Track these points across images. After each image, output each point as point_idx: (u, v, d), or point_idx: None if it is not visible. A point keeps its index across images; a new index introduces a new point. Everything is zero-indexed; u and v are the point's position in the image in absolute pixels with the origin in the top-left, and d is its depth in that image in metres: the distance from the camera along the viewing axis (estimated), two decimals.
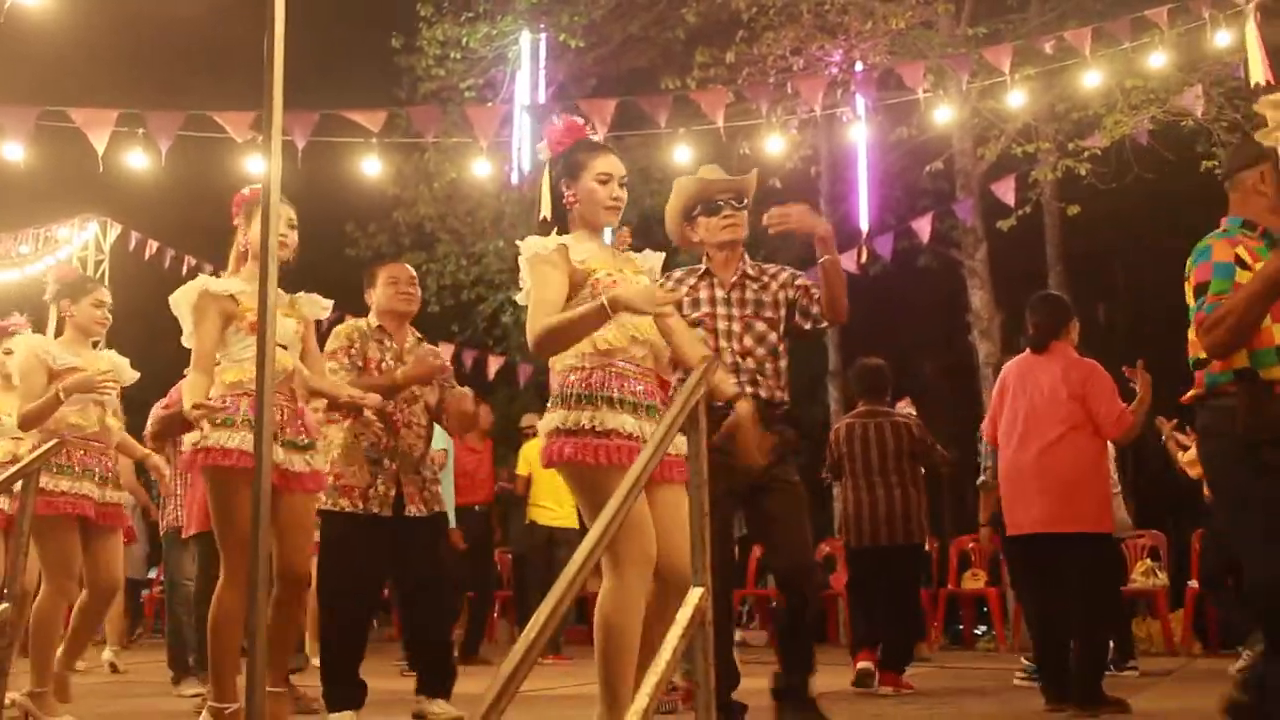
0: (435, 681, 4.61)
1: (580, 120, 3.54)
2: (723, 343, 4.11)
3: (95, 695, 5.85)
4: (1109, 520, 5.05)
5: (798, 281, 4.23)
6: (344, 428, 4.55)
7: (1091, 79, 9.51)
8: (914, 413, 7.15)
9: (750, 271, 4.23)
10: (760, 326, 4.14)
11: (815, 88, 9.63)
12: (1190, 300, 3.32)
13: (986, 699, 5.54)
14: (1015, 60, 9.27)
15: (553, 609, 2.14)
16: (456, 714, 4.48)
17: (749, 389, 4.00)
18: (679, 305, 3.77)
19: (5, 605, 3.62)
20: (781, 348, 4.17)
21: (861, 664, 5.97)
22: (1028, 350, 5.14)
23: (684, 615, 2.58)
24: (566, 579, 2.21)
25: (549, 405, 3.27)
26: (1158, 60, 9.36)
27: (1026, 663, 6.05)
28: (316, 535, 4.29)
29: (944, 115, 10.26)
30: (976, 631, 11.00)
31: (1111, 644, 6.04)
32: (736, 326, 4.13)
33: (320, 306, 4.18)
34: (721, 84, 11.35)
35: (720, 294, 4.17)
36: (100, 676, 7.02)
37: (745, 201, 4.21)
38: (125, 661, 7.64)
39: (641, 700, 2.36)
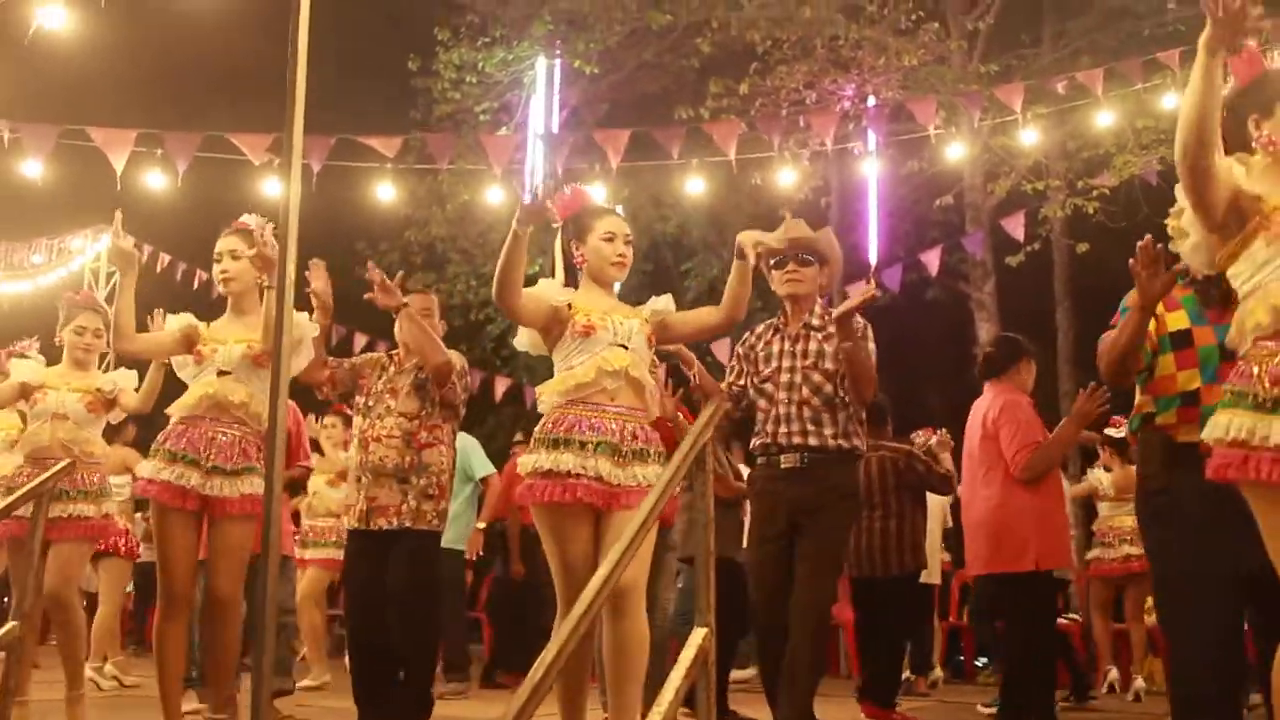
0: (403, 709, 4.52)
1: (585, 188, 3.83)
2: (781, 394, 4.24)
3: (95, 708, 5.85)
4: (1029, 558, 4.84)
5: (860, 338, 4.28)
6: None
7: (1103, 119, 9.57)
8: (933, 441, 7.12)
9: (815, 322, 4.35)
10: (817, 378, 4.23)
11: (827, 123, 9.71)
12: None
13: None
14: (1027, 99, 9.33)
15: (562, 644, 2.17)
16: None
17: (798, 439, 4.15)
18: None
19: (13, 624, 3.64)
20: (841, 398, 4.23)
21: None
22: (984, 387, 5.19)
23: (687, 655, 2.61)
24: (576, 616, 2.24)
25: (530, 447, 3.50)
26: (1170, 101, 9.42)
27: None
28: None
29: (955, 151, 10.32)
30: (978, 664, 10.96)
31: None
32: (797, 378, 4.25)
33: (311, 330, 4.24)
34: (734, 114, 11.44)
35: (786, 346, 4.33)
36: (96, 691, 7.01)
37: (811, 258, 4.36)
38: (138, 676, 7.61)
39: None
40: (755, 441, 4.29)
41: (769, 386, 4.27)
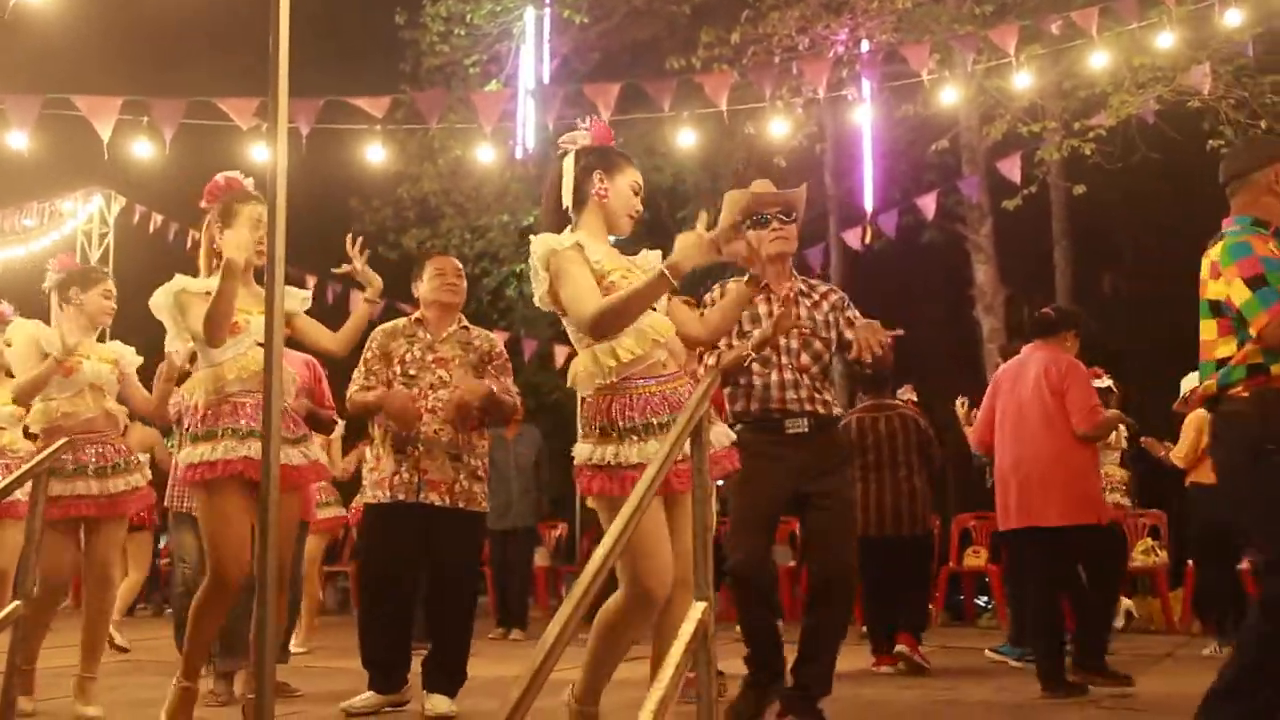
0: (440, 678, 4.62)
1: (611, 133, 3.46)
2: (783, 359, 4.10)
3: (105, 675, 5.91)
4: (1099, 511, 5.16)
5: (848, 313, 4.22)
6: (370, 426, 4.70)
7: (1098, 59, 9.47)
8: (914, 399, 7.22)
9: (802, 288, 4.24)
10: (818, 345, 4.15)
11: (820, 70, 9.61)
12: (1219, 294, 3.28)
13: (984, 683, 5.60)
14: (1021, 39, 9.23)
15: (571, 612, 2.18)
16: (449, 712, 4.50)
17: (808, 406, 4.06)
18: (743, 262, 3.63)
19: (17, 603, 3.66)
20: (828, 368, 4.23)
21: (885, 668, 6.09)
22: (1023, 346, 5.37)
23: (687, 629, 2.62)
24: (584, 583, 2.25)
25: (581, 431, 3.27)
26: (1165, 39, 9.32)
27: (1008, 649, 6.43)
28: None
29: (949, 95, 10.22)
30: (978, 602, 11.07)
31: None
32: (795, 343, 4.11)
33: (299, 299, 4.14)
34: (726, 63, 11.32)
35: (776, 309, 4.09)
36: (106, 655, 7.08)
37: (794, 215, 4.21)
38: (129, 638, 7.70)
39: (647, 715, 2.39)
40: (744, 405, 4.10)
41: (765, 349, 4.10)
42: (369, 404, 4.65)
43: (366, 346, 4.77)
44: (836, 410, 4.21)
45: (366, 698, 4.60)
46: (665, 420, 3.13)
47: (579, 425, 3.29)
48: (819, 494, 4.02)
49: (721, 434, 3.41)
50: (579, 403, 3.35)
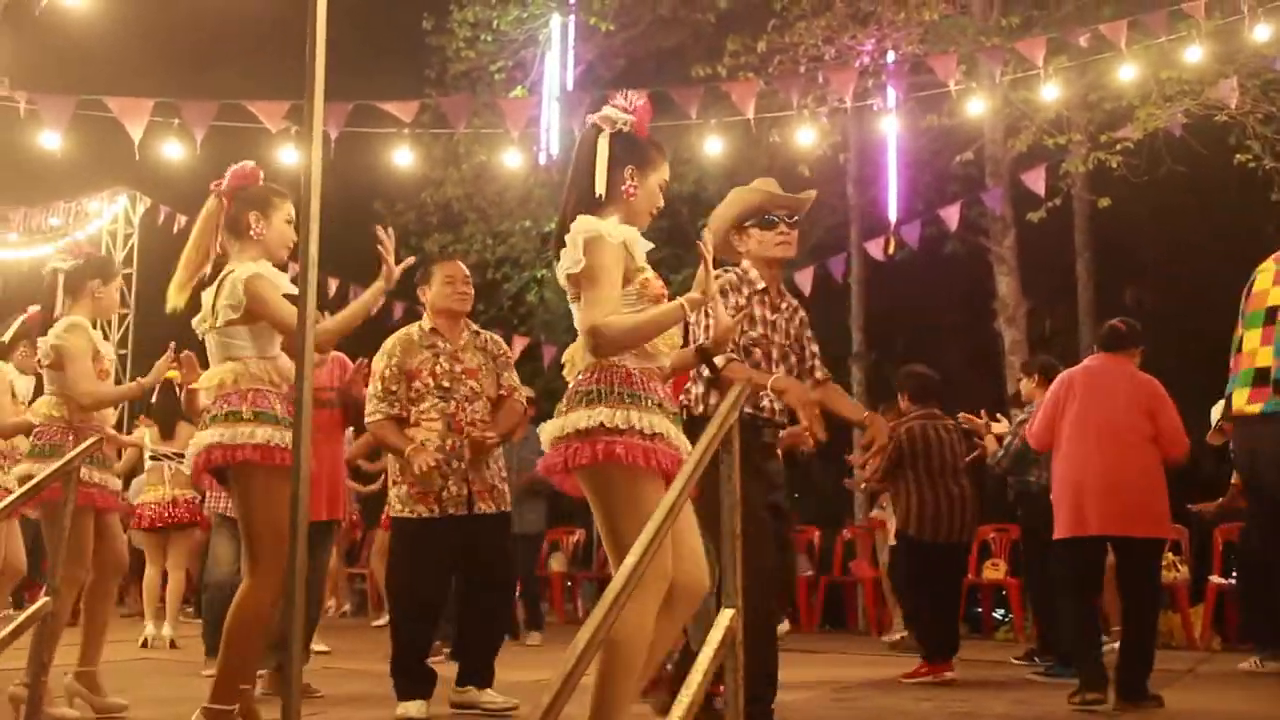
0: (485, 674, 4.81)
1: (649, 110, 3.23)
2: (778, 368, 4.09)
3: (132, 673, 5.96)
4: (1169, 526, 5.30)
5: (807, 333, 4.29)
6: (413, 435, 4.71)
7: (1126, 71, 9.45)
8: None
9: (784, 301, 4.25)
10: (792, 359, 4.18)
11: (846, 79, 9.60)
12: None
13: (1004, 696, 5.59)
14: (1049, 52, 9.21)
15: (603, 619, 2.20)
16: (511, 702, 4.67)
17: (779, 417, 4.12)
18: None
19: (47, 599, 3.68)
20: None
21: (949, 674, 6.11)
22: (1098, 352, 5.39)
23: (715, 636, 2.62)
24: (614, 590, 2.27)
25: (573, 403, 3.06)
26: (1194, 53, 9.28)
27: (1040, 665, 6.45)
28: None
29: (975, 107, 10.21)
30: (996, 615, 11.03)
31: None
32: (776, 352, 4.13)
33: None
34: (752, 72, 11.32)
35: (769, 315, 4.13)
36: (141, 652, 7.15)
37: (797, 219, 4.20)
38: (181, 637, 7.76)
39: None
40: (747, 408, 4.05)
41: (758, 352, 4.06)
42: (394, 448, 4.70)
43: (383, 362, 4.76)
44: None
45: (418, 705, 4.60)
46: (673, 409, 3.13)
47: (583, 395, 3.07)
48: (776, 504, 4.10)
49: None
50: (577, 378, 3.14)
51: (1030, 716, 4.95)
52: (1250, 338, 3.35)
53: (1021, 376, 7.29)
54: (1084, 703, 4.89)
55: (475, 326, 4.98)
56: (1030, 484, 6.71)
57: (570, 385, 3.15)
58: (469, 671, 4.81)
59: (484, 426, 4.73)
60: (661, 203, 3.29)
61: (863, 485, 8.43)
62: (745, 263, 4.19)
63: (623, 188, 3.16)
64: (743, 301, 4.04)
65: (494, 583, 4.90)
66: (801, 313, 4.29)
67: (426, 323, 4.86)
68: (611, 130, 3.17)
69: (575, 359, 3.16)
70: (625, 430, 2.98)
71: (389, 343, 4.84)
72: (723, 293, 4.00)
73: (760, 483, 3.90)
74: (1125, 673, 4.96)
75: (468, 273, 5.02)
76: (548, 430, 3.13)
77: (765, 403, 4.05)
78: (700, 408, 4.06)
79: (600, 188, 3.13)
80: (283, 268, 3.95)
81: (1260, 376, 3.15)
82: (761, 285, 4.13)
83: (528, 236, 14.21)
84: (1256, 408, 3.08)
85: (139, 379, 4.76)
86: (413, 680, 4.64)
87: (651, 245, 3.23)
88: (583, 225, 3.08)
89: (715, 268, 3.28)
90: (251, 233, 3.85)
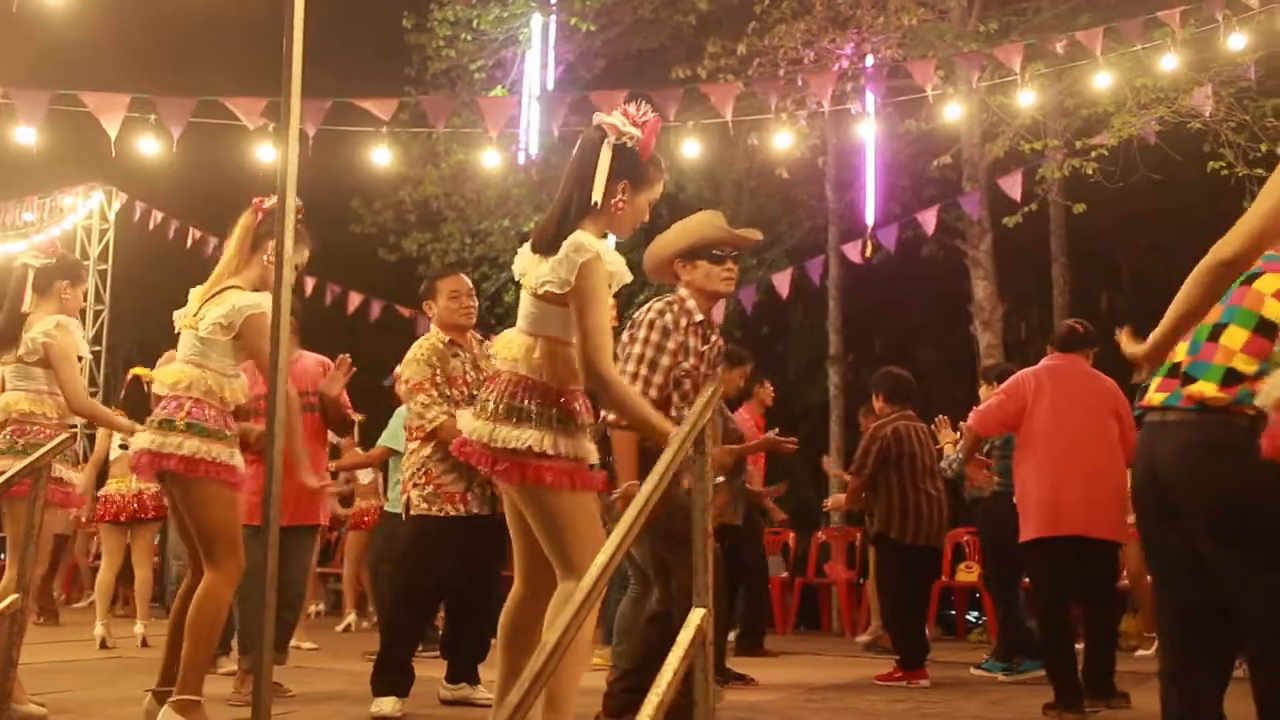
0: (477, 671, 4.93)
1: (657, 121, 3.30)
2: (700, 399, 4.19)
3: (134, 670, 5.92)
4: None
5: (720, 365, 4.41)
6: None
7: (1102, 79, 9.53)
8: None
9: (714, 324, 4.35)
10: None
11: (825, 83, 9.65)
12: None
13: (975, 698, 5.62)
14: (1026, 57, 9.28)
15: (572, 618, 2.22)
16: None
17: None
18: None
19: (16, 595, 3.67)
20: None
21: (923, 682, 6.12)
22: (1053, 352, 5.40)
23: (685, 636, 2.64)
24: (583, 592, 2.29)
25: (502, 415, 3.13)
26: (1169, 61, 9.37)
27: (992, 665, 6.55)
28: None
29: (953, 111, 10.26)
30: (969, 618, 11.09)
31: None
32: (702, 380, 4.16)
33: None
34: (731, 74, 11.35)
35: (701, 347, 4.18)
36: (132, 650, 7.11)
37: (739, 255, 4.32)
38: (152, 635, 7.70)
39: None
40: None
41: (688, 383, 4.12)
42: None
43: (426, 371, 4.78)
44: None
45: (394, 702, 4.61)
46: (584, 421, 3.22)
47: (512, 409, 3.14)
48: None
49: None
50: (508, 381, 3.18)
51: (1003, 718, 4.98)
52: (1234, 334, 3.33)
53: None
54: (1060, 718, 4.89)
55: (478, 335, 5.07)
56: (980, 489, 6.78)
57: (500, 384, 3.19)
58: (464, 668, 4.86)
59: None
60: (646, 219, 3.32)
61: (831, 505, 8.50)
62: (683, 291, 4.23)
63: (613, 200, 3.17)
64: (680, 340, 4.10)
65: (495, 582, 5.04)
66: (720, 344, 4.36)
67: (443, 334, 4.92)
68: (615, 140, 3.18)
69: (522, 358, 3.17)
70: (553, 456, 3.09)
71: (423, 352, 4.84)
72: (664, 332, 4.07)
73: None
74: (1092, 672, 5.03)
75: (471, 286, 5.07)
76: (471, 424, 3.21)
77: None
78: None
79: (598, 196, 3.15)
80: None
81: (1173, 370, 3.13)
82: (699, 318, 4.19)
83: (506, 236, 14.18)
84: (1161, 397, 3.07)
85: (132, 424, 4.89)
86: (398, 677, 4.66)
87: (629, 279, 3.26)
88: (579, 242, 3.09)
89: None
90: (265, 257, 3.99)
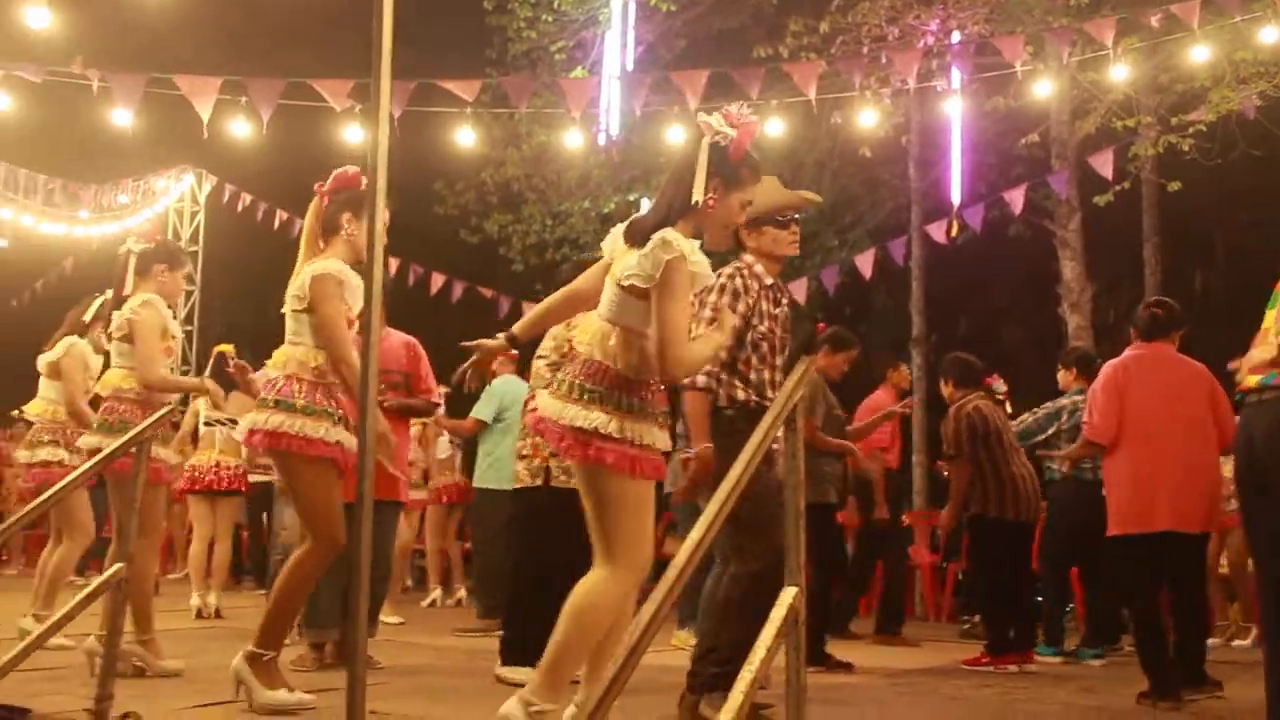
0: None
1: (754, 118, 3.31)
2: (778, 360, 4.20)
3: (193, 639, 6.08)
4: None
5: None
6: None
7: (1199, 53, 9.24)
8: (1006, 389, 7.19)
9: (784, 287, 4.35)
10: (789, 348, 4.24)
11: (910, 60, 9.47)
12: None
13: (1064, 685, 5.54)
14: (1119, 33, 9.03)
15: (656, 609, 2.22)
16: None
17: (766, 403, 4.05)
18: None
19: (120, 564, 3.76)
20: None
21: (1011, 667, 6.03)
22: (1137, 343, 5.21)
23: (778, 615, 2.62)
24: (672, 574, 2.29)
25: (574, 394, 3.18)
26: (1269, 34, 9.06)
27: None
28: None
29: (1043, 88, 10.04)
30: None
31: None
32: (779, 341, 4.22)
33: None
34: (814, 52, 11.24)
35: (774, 310, 4.22)
36: (189, 621, 7.29)
37: (799, 217, 4.34)
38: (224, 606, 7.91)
39: (736, 698, 2.40)
40: (745, 396, 4.09)
41: (765, 346, 4.14)
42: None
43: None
44: None
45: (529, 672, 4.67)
46: (654, 408, 3.23)
47: (585, 390, 3.18)
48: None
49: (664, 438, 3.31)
50: (584, 364, 3.22)
51: (1093, 706, 4.90)
52: (1270, 316, 3.25)
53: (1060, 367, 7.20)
54: (1156, 709, 4.77)
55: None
56: (1053, 470, 6.74)
57: (577, 366, 3.24)
58: (530, 649, 4.85)
59: None
60: (740, 221, 3.36)
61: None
62: (748, 258, 4.24)
63: (706, 202, 3.19)
64: (752, 301, 4.12)
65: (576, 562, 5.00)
66: (787, 308, 4.38)
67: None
68: (710, 139, 3.21)
69: (598, 343, 3.22)
70: (618, 439, 3.13)
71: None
72: (735, 295, 4.10)
73: (772, 467, 3.93)
74: (1183, 660, 4.93)
75: None
76: (545, 401, 3.28)
77: (768, 393, 4.10)
78: (724, 402, 4.14)
79: (698, 194, 3.17)
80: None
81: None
82: (769, 281, 4.22)
83: (586, 217, 14.22)
84: (1256, 379, 2.99)
85: (204, 378, 4.97)
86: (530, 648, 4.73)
87: (711, 279, 3.35)
88: (666, 239, 3.12)
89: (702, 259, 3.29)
90: (344, 233, 4.08)
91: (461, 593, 9.52)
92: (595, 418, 3.13)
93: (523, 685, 4.60)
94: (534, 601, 4.80)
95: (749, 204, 3.33)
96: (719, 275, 4.13)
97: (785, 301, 4.31)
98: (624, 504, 3.18)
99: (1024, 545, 6.49)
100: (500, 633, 5.17)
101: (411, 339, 5.60)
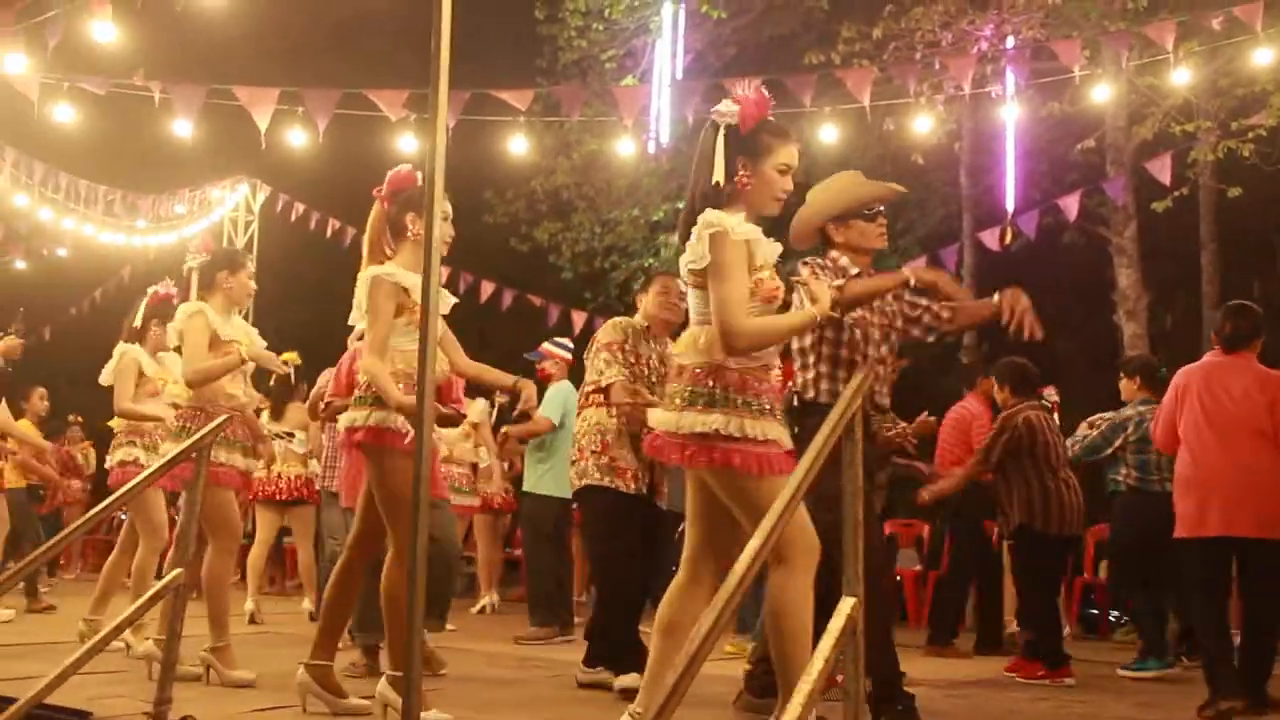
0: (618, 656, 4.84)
1: (767, 94, 3.33)
2: (870, 350, 4.19)
3: (244, 644, 6.13)
4: None
5: (904, 301, 4.31)
6: (608, 412, 4.88)
7: (1262, 56, 9.06)
8: (1058, 400, 7.09)
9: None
10: (894, 337, 4.25)
11: (965, 66, 9.39)
12: None
13: (1123, 699, 5.44)
14: (1179, 36, 8.88)
15: (722, 608, 2.21)
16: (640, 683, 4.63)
17: (886, 400, 4.20)
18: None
19: (180, 570, 3.81)
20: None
21: (1067, 680, 5.92)
22: (1217, 350, 5.17)
23: (836, 625, 2.60)
24: (736, 577, 2.28)
25: (687, 401, 3.17)
26: None
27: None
28: None
29: (1101, 93, 9.90)
30: (1112, 616, 10.73)
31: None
32: (877, 334, 4.21)
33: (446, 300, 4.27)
34: (866, 59, 11.17)
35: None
36: (241, 626, 7.36)
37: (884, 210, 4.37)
38: (265, 613, 7.98)
39: (795, 710, 2.39)
40: (831, 389, 4.13)
41: (857, 333, 4.19)
42: (626, 408, 4.84)
43: (620, 336, 4.97)
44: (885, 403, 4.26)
45: (634, 678, 4.57)
46: (768, 404, 3.20)
47: (697, 395, 3.18)
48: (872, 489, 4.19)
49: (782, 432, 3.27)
50: (686, 373, 3.24)
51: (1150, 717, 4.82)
52: None
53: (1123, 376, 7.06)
54: (1218, 714, 4.68)
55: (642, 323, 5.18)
56: (1118, 483, 6.62)
57: (683, 377, 3.23)
58: (604, 652, 4.85)
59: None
60: (786, 186, 3.31)
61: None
62: (834, 253, 4.27)
63: (736, 179, 3.21)
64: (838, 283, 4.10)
65: (653, 570, 5.12)
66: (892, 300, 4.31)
67: (642, 321, 5.11)
68: (724, 125, 3.24)
69: (690, 348, 3.25)
70: (740, 439, 3.10)
71: (622, 321, 5.05)
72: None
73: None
74: (1245, 674, 4.84)
75: (683, 290, 5.15)
76: (659, 418, 3.25)
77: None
78: (811, 393, 4.17)
79: (718, 174, 3.19)
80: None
81: None
82: (855, 271, 4.20)
83: (636, 225, 14.25)
84: None
85: (239, 349, 4.87)
86: (629, 651, 4.72)
87: (780, 248, 3.31)
88: (707, 219, 3.16)
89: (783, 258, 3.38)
90: (410, 234, 4.06)
91: (493, 598, 9.51)
92: (714, 420, 3.12)
93: (602, 687, 4.63)
94: (624, 601, 4.88)
95: (787, 167, 3.28)
96: (803, 265, 4.14)
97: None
98: (761, 503, 3.03)
99: (1065, 558, 6.42)
100: (570, 638, 5.20)
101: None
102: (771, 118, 3.30)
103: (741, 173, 3.21)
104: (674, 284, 5.08)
